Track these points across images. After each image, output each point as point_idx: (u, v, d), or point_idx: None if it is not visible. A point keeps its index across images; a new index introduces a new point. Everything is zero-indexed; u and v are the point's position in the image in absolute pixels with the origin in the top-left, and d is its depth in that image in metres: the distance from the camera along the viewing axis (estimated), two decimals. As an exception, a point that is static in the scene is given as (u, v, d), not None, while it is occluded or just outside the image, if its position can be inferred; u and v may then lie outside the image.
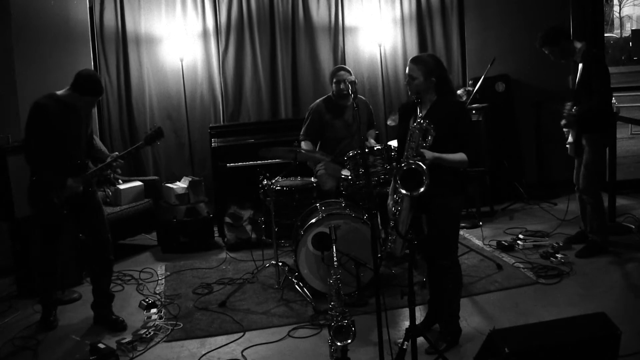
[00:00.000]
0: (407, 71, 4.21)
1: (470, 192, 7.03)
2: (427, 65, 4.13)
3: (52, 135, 4.65)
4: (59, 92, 4.71)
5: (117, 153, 4.95)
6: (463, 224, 7.08)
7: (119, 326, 4.91)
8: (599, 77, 5.65)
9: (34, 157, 4.70)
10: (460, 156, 4.07)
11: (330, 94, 6.27)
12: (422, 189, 3.86)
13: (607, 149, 6.61)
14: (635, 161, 9.96)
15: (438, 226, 4.22)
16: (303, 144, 6.12)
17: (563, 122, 5.83)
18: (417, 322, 4.12)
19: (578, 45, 5.77)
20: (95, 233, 4.97)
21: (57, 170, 4.68)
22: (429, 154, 3.99)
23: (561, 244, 6.14)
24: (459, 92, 7.44)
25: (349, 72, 6.12)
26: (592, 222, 5.97)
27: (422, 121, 4.01)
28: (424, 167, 3.86)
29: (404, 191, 3.91)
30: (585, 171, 5.84)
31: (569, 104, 5.83)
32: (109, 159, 4.85)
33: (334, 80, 6.08)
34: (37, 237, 5.02)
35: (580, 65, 5.70)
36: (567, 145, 6.05)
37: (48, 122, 4.63)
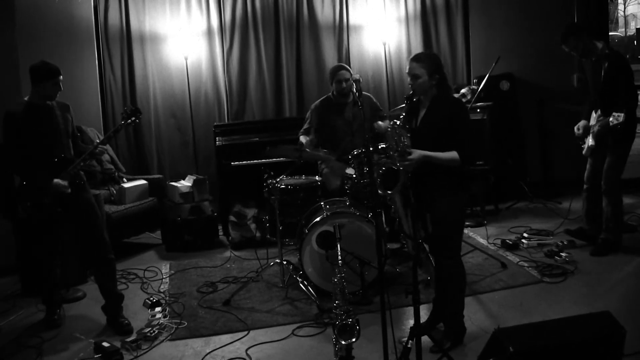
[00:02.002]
0: (408, 70, 4.17)
1: (475, 190, 7.01)
2: (431, 63, 4.15)
3: (29, 139, 4.68)
4: (26, 98, 4.77)
5: (97, 141, 4.97)
6: (467, 223, 7.07)
7: (124, 329, 4.86)
8: (629, 83, 5.67)
9: (17, 165, 4.75)
10: (451, 155, 4.04)
11: (330, 94, 6.26)
12: (390, 192, 3.91)
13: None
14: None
15: (440, 225, 4.22)
16: (301, 138, 6.10)
17: (595, 129, 5.74)
18: (422, 320, 4.12)
19: (598, 44, 5.75)
20: (89, 232, 4.94)
21: (41, 170, 4.69)
22: (416, 152, 4.01)
23: (566, 243, 6.13)
24: (463, 90, 7.41)
25: (349, 70, 6.12)
26: (609, 222, 5.95)
27: (395, 123, 4.07)
28: (400, 168, 3.90)
29: (380, 191, 3.96)
30: (609, 174, 5.82)
31: (587, 105, 5.85)
32: (90, 148, 4.85)
33: (335, 79, 6.07)
34: (34, 238, 5.04)
35: (606, 65, 5.64)
36: (583, 146, 5.99)
37: (21, 128, 4.67)
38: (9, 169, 4.84)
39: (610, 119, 5.42)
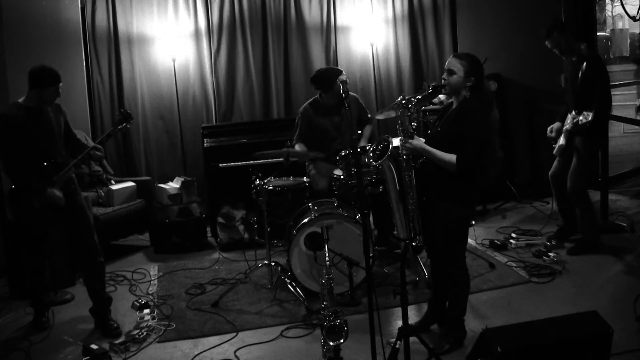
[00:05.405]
0: (446, 65, 4.14)
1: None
2: (471, 64, 4.10)
3: (24, 142, 4.64)
4: (20, 100, 4.71)
5: (92, 144, 4.96)
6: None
7: (113, 332, 4.85)
8: (604, 86, 5.70)
9: (11, 168, 4.71)
10: (448, 157, 3.99)
11: (317, 96, 6.25)
12: (379, 161, 3.97)
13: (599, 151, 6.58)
14: (629, 159, 9.98)
15: (441, 232, 4.18)
16: (297, 147, 6.11)
17: (567, 127, 5.68)
18: (411, 321, 4.12)
19: (580, 45, 5.78)
20: (80, 235, 4.92)
21: (36, 174, 4.65)
22: (419, 142, 4.02)
23: (554, 243, 6.16)
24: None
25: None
26: (583, 223, 5.98)
27: (402, 99, 4.08)
28: (394, 143, 3.98)
29: (373, 161, 4.07)
30: (577, 172, 5.83)
31: (565, 105, 5.86)
32: (84, 153, 4.81)
33: (340, 80, 5.96)
34: (24, 241, 5.01)
35: (584, 66, 5.65)
36: (555, 146, 6.01)
37: (17, 130, 4.62)
38: (7, 173, 4.78)
39: (580, 117, 5.46)
